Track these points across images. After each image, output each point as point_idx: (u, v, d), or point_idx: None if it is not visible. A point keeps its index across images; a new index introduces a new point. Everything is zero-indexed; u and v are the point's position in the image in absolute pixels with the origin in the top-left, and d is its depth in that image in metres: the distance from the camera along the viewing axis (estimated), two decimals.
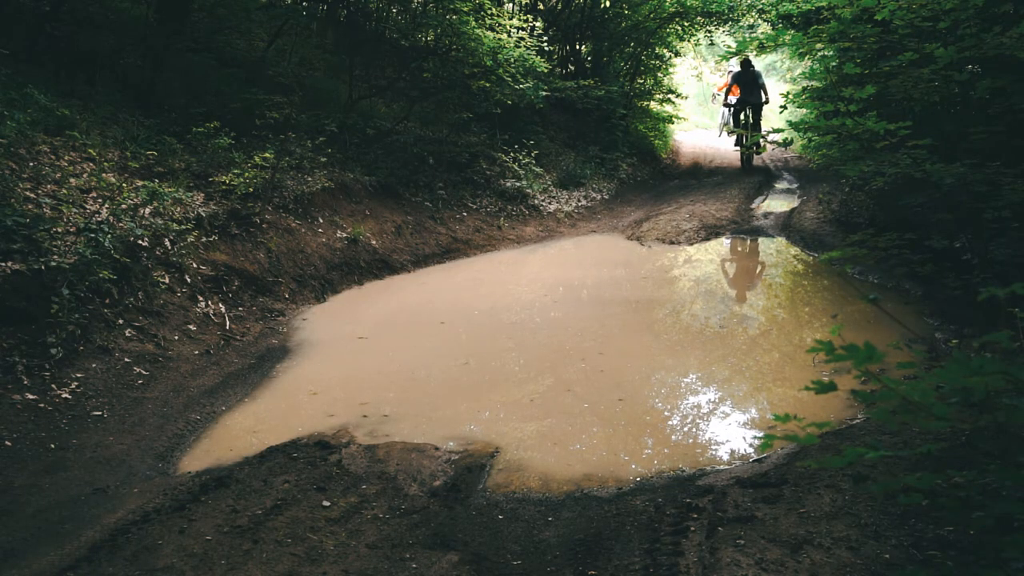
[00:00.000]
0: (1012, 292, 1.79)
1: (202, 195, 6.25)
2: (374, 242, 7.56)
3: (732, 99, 14.63)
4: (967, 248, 5.61)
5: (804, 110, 9.29)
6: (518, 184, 10.18)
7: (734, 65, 14.62)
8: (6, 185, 4.64)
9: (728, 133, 15.68)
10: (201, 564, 2.75)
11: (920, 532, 2.71)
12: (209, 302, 5.58)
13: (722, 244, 8.80)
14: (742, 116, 13.87)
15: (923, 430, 3.34)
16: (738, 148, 14.27)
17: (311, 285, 6.57)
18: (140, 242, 5.15)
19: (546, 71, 10.56)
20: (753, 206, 10.67)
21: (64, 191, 5.06)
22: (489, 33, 9.47)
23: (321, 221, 7.29)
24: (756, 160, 14.78)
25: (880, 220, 7.21)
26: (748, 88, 13.62)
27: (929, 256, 4.75)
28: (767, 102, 13.58)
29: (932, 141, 4.92)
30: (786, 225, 9.27)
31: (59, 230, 4.67)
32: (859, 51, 6.20)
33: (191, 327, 5.25)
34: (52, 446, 3.71)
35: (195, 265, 5.67)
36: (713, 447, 3.93)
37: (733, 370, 4.93)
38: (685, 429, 4.14)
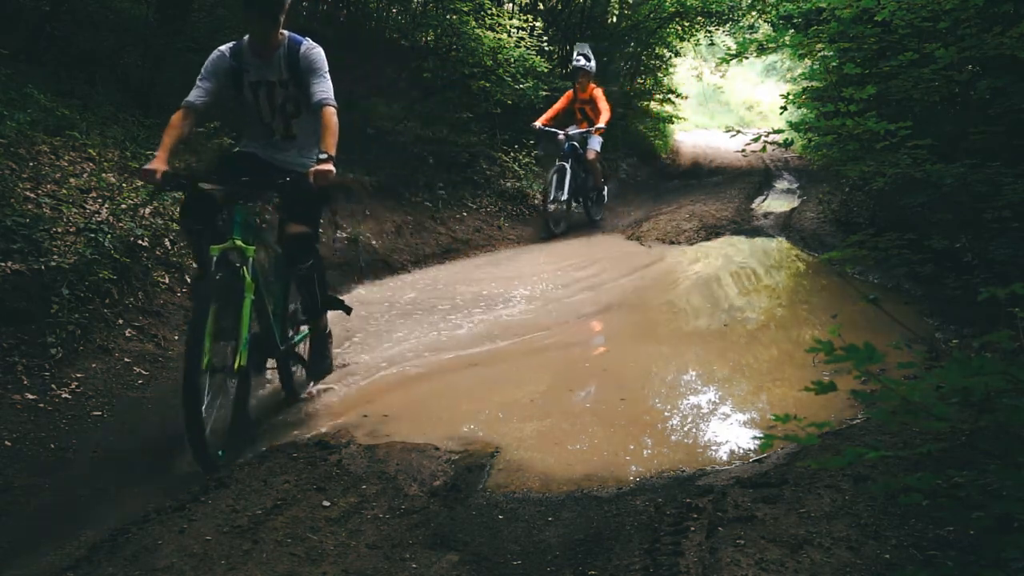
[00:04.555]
0: (1012, 292, 1.80)
1: None
2: (374, 242, 7.55)
3: (571, 130, 9.05)
4: (967, 248, 5.61)
5: (804, 110, 9.30)
6: (518, 184, 10.18)
7: (579, 60, 8.99)
8: (6, 185, 4.64)
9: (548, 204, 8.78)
10: (201, 564, 2.75)
11: (920, 532, 2.71)
12: None
13: (722, 244, 8.80)
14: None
15: (923, 430, 3.34)
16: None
17: None
18: (140, 242, 5.14)
19: (546, 71, 10.55)
20: (753, 206, 10.67)
21: (64, 191, 5.06)
22: (489, 33, 9.46)
23: (321, 221, 7.28)
24: (755, 162, 14.29)
25: (880, 220, 7.20)
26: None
27: (929, 256, 4.74)
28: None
29: (932, 141, 4.92)
30: (786, 225, 9.27)
31: (59, 230, 4.67)
32: (859, 51, 6.20)
33: None
34: (52, 446, 3.71)
35: (195, 265, 5.67)
36: (713, 447, 3.93)
37: (733, 370, 4.93)
38: (685, 429, 4.14)
